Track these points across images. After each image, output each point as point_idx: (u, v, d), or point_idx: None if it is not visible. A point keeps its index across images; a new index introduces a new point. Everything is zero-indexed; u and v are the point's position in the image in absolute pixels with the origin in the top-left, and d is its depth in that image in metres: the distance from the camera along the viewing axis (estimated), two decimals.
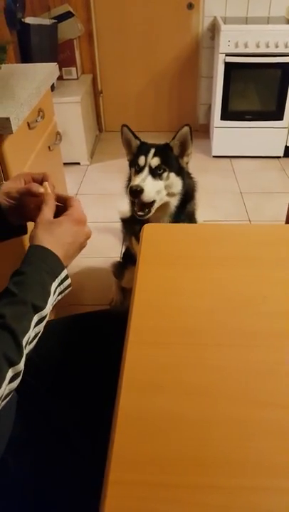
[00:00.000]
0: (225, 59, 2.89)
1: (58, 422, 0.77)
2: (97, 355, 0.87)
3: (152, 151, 1.37)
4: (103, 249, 2.23)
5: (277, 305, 0.75)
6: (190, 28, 3.29)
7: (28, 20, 2.68)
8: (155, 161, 1.36)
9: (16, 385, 0.54)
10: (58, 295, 0.64)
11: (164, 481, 0.50)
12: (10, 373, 0.52)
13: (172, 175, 1.39)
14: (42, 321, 0.59)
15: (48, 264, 0.63)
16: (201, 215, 1.62)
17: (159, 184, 1.38)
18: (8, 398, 0.54)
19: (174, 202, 1.44)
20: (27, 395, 0.74)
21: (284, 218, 2.49)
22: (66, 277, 0.65)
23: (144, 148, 1.40)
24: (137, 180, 1.35)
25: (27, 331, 0.56)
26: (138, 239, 1.53)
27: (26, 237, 1.20)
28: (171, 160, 1.39)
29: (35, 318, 0.58)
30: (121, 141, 1.48)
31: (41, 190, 0.75)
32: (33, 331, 0.58)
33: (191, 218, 1.53)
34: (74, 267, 2.13)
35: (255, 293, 0.78)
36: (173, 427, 0.56)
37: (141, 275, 0.83)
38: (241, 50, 2.84)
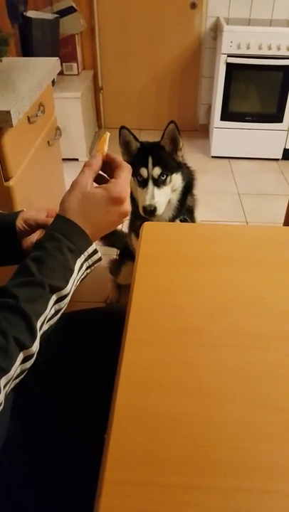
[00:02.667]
0: (226, 60, 2.89)
1: (54, 421, 0.77)
2: (94, 353, 0.86)
3: (150, 160, 1.37)
4: (100, 246, 2.23)
5: (277, 306, 0.75)
6: (192, 27, 3.29)
7: (30, 14, 2.66)
8: (157, 171, 1.38)
9: (29, 366, 0.54)
10: (87, 269, 0.61)
11: (160, 481, 0.50)
12: (21, 356, 0.52)
13: (173, 175, 1.40)
14: (63, 299, 0.57)
15: (74, 241, 0.59)
16: (198, 214, 1.62)
17: (165, 190, 1.40)
18: (22, 376, 0.54)
19: (176, 196, 1.46)
20: (22, 393, 0.73)
21: (281, 220, 2.49)
22: (95, 252, 0.61)
23: (142, 156, 1.39)
24: (148, 199, 1.37)
25: (42, 312, 0.54)
26: (138, 235, 1.53)
27: None
28: (168, 161, 1.40)
29: (54, 297, 0.56)
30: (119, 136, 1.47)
31: None
32: (52, 309, 0.56)
33: (190, 215, 1.54)
34: None
35: (254, 294, 0.78)
36: (170, 426, 0.55)
37: (139, 274, 0.83)
38: (243, 51, 2.84)
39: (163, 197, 1.39)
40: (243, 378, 0.62)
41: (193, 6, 3.19)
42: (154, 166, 1.37)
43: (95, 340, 0.88)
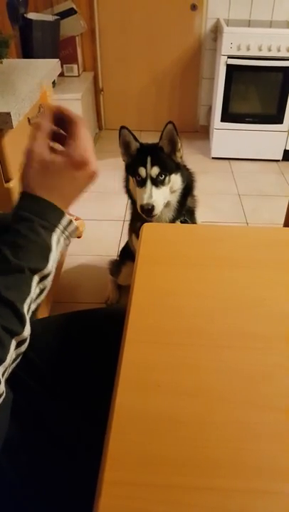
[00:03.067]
0: (227, 61, 2.89)
1: (54, 422, 0.77)
2: (94, 354, 0.86)
3: (149, 160, 1.38)
4: (100, 247, 2.23)
5: (277, 307, 0.75)
6: (193, 29, 3.29)
7: (31, 15, 2.67)
8: (155, 171, 1.38)
9: (23, 349, 0.53)
10: (65, 240, 0.58)
11: (160, 481, 0.50)
12: (14, 342, 0.51)
13: (172, 176, 1.40)
14: (46, 278, 0.55)
15: (45, 218, 0.55)
16: (199, 215, 1.62)
17: (164, 190, 1.41)
18: (18, 360, 0.53)
19: (176, 197, 1.46)
20: (22, 393, 0.73)
21: (281, 221, 2.49)
22: (69, 222, 0.58)
23: (141, 157, 1.40)
24: (145, 198, 1.38)
25: (27, 295, 0.53)
26: (138, 236, 1.54)
27: None
28: (167, 162, 1.41)
29: (36, 278, 0.53)
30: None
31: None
32: (37, 289, 0.54)
33: (191, 216, 1.54)
34: (70, 264, 2.12)
35: (254, 295, 0.78)
36: (170, 427, 0.55)
37: (139, 274, 0.83)
38: (243, 52, 2.85)
39: (161, 197, 1.40)
40: (243, 379, 0.62)
41: (194, 7, 3.20)
42: (152, 165, 1.38)
43: (95, 341, 0.88)
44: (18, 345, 0.52)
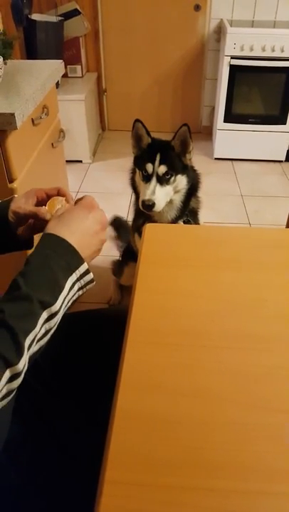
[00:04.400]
0: (230, 61, 2.89)
1: (55, 422, 0.77)
2: (95, 354, 0.87)
3: (158, 157, 1.38)
4: (102, 247, 2.23)
5: (278, 309, 0.76)
6: (196, 29, 3.29)
7: (35, 16, 2.68)
8: (162, 169, 1.38)
9: (16, 385, 0.51)
10: (79, 290, 0.60)
11: (160, 482, 0.50)
12: (7, 374, 0.49)
13: (178, 176, 1.41)
14: (53, 317, 0.55)
15: (63, 257, 0.58)
16: (201, 216, 1.62)
17: (168, 189, 1.41)
18: (9, 397, 0.52)
19: (180, 197, 1.47)
20: (24, 393, 0.73)
21: (284, 223, 2.49)
22: (87, 272, 0.60)
23: (151, 152, 1.40)
24: (148, 194, 1.38)
25: (31, 329, 0.52)
26: (140, 234, 1.54)
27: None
28: (175, 162, 1.41)
29: (44, 315, 0.53)
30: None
31: (48, 217, 0.71)
32: (43, 328, 0.54)
33: (194, 216, 1.54)
34: None
35: (256, 296, 0.78)
36: (170, 428, 0.56)
37: (141, 275, 0.83)
38: (247, 53, 2.84)
39: (163, 195, 1.40)
40: (243, 380, 0.63)
41: (197, 8, 3.20)
42: (160, 163, 1.38)
43: (97, 341, 0.88)
44: (11, 379, 0.50)
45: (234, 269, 0.86)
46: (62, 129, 1.84)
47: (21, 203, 0.74)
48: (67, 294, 0.57)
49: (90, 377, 0.84)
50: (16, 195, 0.78)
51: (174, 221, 1.50)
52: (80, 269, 0.59)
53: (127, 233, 2.05)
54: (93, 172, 3.12)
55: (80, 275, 0.59)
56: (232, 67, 2.91)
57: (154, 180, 1.39)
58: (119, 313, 0.97)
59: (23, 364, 0.51)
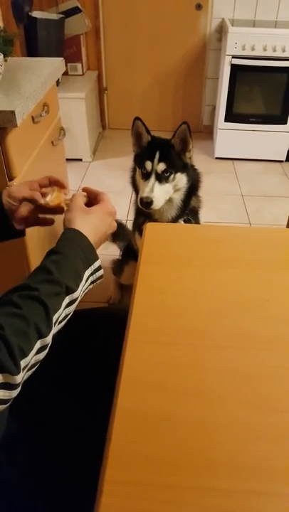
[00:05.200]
0: (231, 61, 2.89)
1: (54, 420, 0.77)
2: (95, 353, 0.87)
3: (157, 155, 1.38)
4: (102, 246, 2.22)
5: (279, 309, 0.75)
6: (198, 28, 3.29)
7: (35, 14, 2.67)
8: (161, 167, 1.38)
9: (42, 357, 0.57)
10: (90, 284, 0.67)
11: (160, 481, 0.50)
12: (38, 344, 0.55)
13: (178, 174, 1.40)
14: (72, 304, 0.62)
15: (84, 251, 0.66)
16: (202, 216, 1.62)
17: (167, 187, 1.41)
18: (34, 369, 0.57)
19: (180, 196, 1.46)
20: (22, 390, 0.73)
21: (284, 223, 2.49)
22: (99, 268, 0.68)
23: (150, 150, 1.40)
24: (146, 191, 1.37)
25: (58, 309, 0.59)
26: (141, 233, 1.53)
27: (28, 243, 1.21)
28: (175, 160, 1.41)
29: (67, 300, 0.61)
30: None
31: (41, 201, 0.77)
32: (64, 312, 0.61)
33: (195, 216, 1.54)
34: None
35: (256, 296, 0.78)
36: (171, 427, 0.55)
37: (142, 274, 0.83)
38: (248, 52, 2.84)
39: (162, 193, 1.40)
40: (244, 380, 0.62)
41: (199, 7, 3.19)
42: (159, 161, 1.38)
43: (96, 340, 0.88)
44: (40, 350, 0.56)
45: (235, 269, 0.85)
46: (62, 127, 1.84)
47: (15, 189, 0.80)
48: (84, 284, 0.65)
49: (90, 375, 0.84)
50: (7, 187, 0.83)
51: (175, 220, 1.49)
52: (94, 264, 0.67)
53: (125, 236, 2.04)
54: (93, 171, 3.11)
55: (94, 270, 0.67)
56: (233, 67, 2.91)
57: (152, 177, 1.38)
58: (120, 311, 0.97)
59: (50, 338, 0.58)
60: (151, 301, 0.76)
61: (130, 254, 1.77)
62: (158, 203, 1.39)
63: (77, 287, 0.63)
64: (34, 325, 0.55)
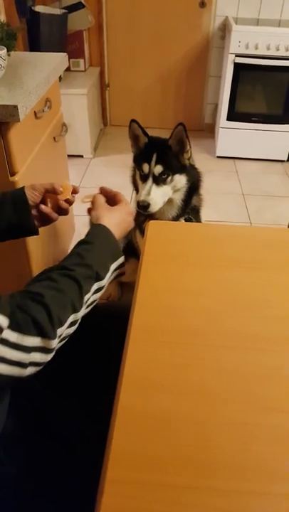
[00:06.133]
0: (234, 59, 2.87)
1: (53, 417, 0.76)
2: (94, 350, 0.86)
3: (154, 157, 1.37)
4: None
5: (281, 309, 0.75)
6: (201, 26, 3.27)
7: (39, 8, 2.66)
8: (158, 169, 1.37)
9: (71, 332, 0.64)
10: (114, 278, 0.74)
11: (162, 481, 0.50)
12: (71, 318, 0.62)
13: (176, 176, 1.39)
14: (99, 291, 0.68)
15: (110, 245, 0.74)
16: (203, 214, 1.62)
17: (164, 189, 1.39)
18: (63, 342, 0.63)
19: (180, 196, 1.45)
20: (22, 390, 0.73)
21: (285, 222, 2.49)
22: (122, 264, 0.75)
23: (148, 152, 1.39)
24: (143, 195, 1.37)
25: (88, 291, 0.66)
26: (141, 231, 1.53)
27: (29, 241, 1.27)
28: (172, 162, 1.39)
29: (95, 286, 0.67)
30: (126, 135, 1.47)
31: (60, 189, 0.88)
32: (92, 297, 0.67)
33: (196, 214, 1.53)
34: None
35: (258, 296, 0.78)
36: (172, 426, 0.55)
37: (144, 273, 0.82)
38: (251, 51, 2.83)
39: (159, 195, 1.38)
40: (245, 380, 0.62)
41: (202, 4, 3.18)
42: (156, 163, 1.37)
43: (96, 337, 0.88)
44: (71, 324, 0.63)
45: (237, 268, 0.85)
46: (64, 122, 1.83)
47: (33, 183, 0.88)
48: (110, 276, 0.71)
49: (90, 373, 0.84)
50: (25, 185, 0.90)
51: (176, 219, 1.49)
52: (119, 260, 0.74)
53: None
54: (94, 167, 3.10)
55: (119, 265, 0.74)
56: (236, 65, 2.90)
57: (150, 180, 1.38)
58: (119, 309, 0.96)
59: (80, 315, 0.65)
60: (153, 300, 0.76)
61: (130, 252, 1.76)
62: (155, 206, 1.38)
63: (105, 277, 0.69)
64: (70, 300, 0.62)
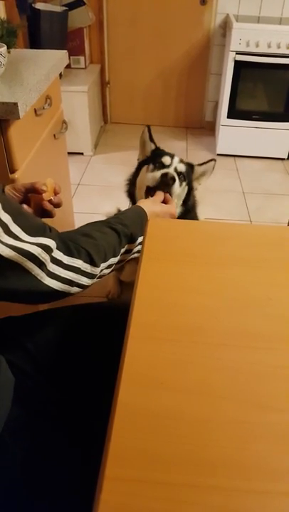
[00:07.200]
0: (235, 57, 2.87)
1: (56, 411, 0.77)
2: (94, 347, 0.86)
3: (177, 158, 1.39)
4: None
5: (282, 308, 0.75)
6: (202, 23, 3.27)
7: (39, 5, 2.65)
8: (181, 167, 1.37)
9: (107, 273, 0.83)
10: (136, 252, 0.89)
11: (160, 478, 0.50)
12: (110, 260, 0.80)
13: (186, 188, 1.40)
14: (128, 253, 0.86)
15: (142, 223, 0.88)
16: (202, 212, 1.61)
17: (180, 188, 1.37)
18: (99, 279, 0.80)
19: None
20: (25, 385, 0.73)
21: (285, 221, 2.49)
22: (140, 243, 0.87)
23: (166, 153, 1.40)
24: (170, 170, 1.32)
25: (123, 247, 0.84)
26: None
27: None
28: (190, 175, 1.42)
29: (126, 246, 0.85)
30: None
31: (44, 188, 0.84)
32: (121, 255, 0.85)
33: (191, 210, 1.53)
34: None
35: (259, 294, 0.77)
36: (172, 424, 0.55)
37: (144, 270, 0.82)
38: (252, 49, 2.83)
39: (178, 187, 1.32)
40: (246, 378, 0.62)
41: (203, 2, 3.17)
42: (180, 162, 1.38)
43: (95, 334, 0.88)
44: (109, 266, 0.81)
45: (238, 267, 0.85)
46: (64, 120, 1.82)
47: (14, 183, 0.90)
48: (137, 244, 0.87)
49: (89, 370, 0.84)
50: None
51: None
52: (139, 239, 0.88)
53: None
54: (94, 165, 3.10)
55: (138, 243, 0.88)
56: (237, 63, 2.90)
57: (171, 169, 1.33)
58: (118, 307, 0.96)
59: (116, 261, 0.84)
60: (153, 297, 0.76)
61: None
62: (177, 187, 1.29)
63: (136, 241, 0.85)
64: (113, 244, 0.79)
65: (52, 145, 1.69)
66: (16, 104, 1.18)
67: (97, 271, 0.75)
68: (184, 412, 0.57)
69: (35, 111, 1.43)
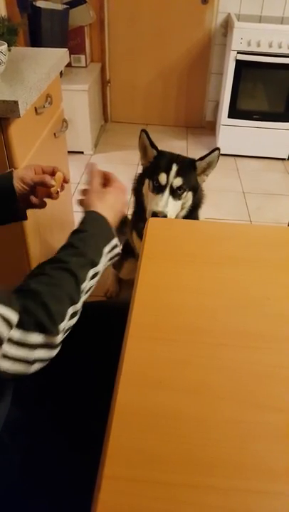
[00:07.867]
0: (236, 56, 2.86)
1: (55, 412, 0.77)
2: (92, 345, 0.86)
3: (174, 169, 1.33)
4: None
5: (281, 307, 0.75)
6: (203, 23, 3.26)
7: (40, 3, 2.64)
8: (178, 182, 1.33)
9: (73, 323, 0.65)
10: (109, 260, 0.74)
11: (159, 478, 0.50)
12: (71, 310, 0.62)
13: (189, 193, 1.38)
14: (95, 277, 0.69)
15: (103, 229, 0.73)
16: (202, 212, 1.61)
17: (178, 204, 1.37)
18: (67, 333, 0.64)
19: (183, 213, 1.44)
20: (24, 385, 0.73)
21: (285, 221, 2.49)
22: (116, 246, 0.74)
23: (164, 163, 1.36)
24: (161, 205, 1.32)
25: (84, 280, 0.66)
26: (138, 234, 1.52)
27: (27, 231, 1.26)
28: (191, 179, 1.37)
29: (91, 272, 0.67)
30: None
31: (53, 182, 0.83)
32: (88, 284, 0.67)
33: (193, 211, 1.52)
34: None
35: (258, 294, 0.78)
36: (171, 424, 0.55)
37: (143, 270, 0.82)
38: (253, 48, 2.82)
39: (175, 209, 1.35)
40: (244, 378, 0.62)
41: (205, 1, 3.16)
42: (176, 176, 1.33)
43: (94, 333, 0.88)
44: (72, 315, 0.63)
45: (237, 266, 0.85)
46: (65, 118, 1.82)
47: (23, 173, 0.84)
48: (105, 259, 0.71)
49: (89, 369, 0.84)
50: (13, 169, 0.87)
51: None
52: (112, 242, 0.73)
53: (127, 231, 2.03)
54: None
55: (112, 247, 0.73)
56: (238, 62, 2.89)
57: (166, 192, 1.33)
58: (118, 305, 0.96)
59: (80, 304, 0.65)
60: (152, 297, 0.76)
61: (130, 250, 1.76)
62: (172, 211, 1.33)
63: (100, 262, 0.69)
64: (67, 293, 0.62)
65: (52, 144, 1.69)
66: (16, 102, 1.18)
67: (57, 339, 0.60)
68: (182, 412, 0.57)
69: (36, 109, 1.43)
